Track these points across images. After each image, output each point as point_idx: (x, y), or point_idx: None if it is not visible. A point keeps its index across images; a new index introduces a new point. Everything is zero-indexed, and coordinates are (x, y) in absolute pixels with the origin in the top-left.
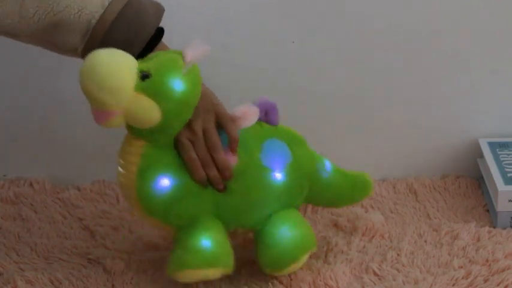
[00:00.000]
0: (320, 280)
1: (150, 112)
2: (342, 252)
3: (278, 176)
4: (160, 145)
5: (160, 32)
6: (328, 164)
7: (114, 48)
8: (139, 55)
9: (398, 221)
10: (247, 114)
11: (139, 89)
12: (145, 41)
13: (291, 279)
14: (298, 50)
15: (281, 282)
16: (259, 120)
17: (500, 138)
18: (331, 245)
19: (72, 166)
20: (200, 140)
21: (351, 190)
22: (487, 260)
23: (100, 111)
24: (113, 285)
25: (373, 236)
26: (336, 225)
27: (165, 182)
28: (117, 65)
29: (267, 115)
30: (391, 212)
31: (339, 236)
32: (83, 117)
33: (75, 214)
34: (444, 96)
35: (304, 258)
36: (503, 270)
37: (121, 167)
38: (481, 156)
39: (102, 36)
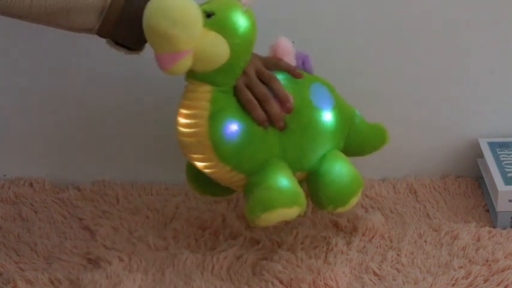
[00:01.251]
0: (320, 280)
1: (220, 47)
2: (342, 252)
3: (328, 115)
4: (225, 89)
5: None
6: (357, 111)
7: (132, 20)
8: None
9: (398, 221)
10: (285, 49)
11: (207, 25)
12: None
13: (291, 279)
14: (298, 49)
15: (281, 282)
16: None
17: (500, 138)
18: (331, 245)
19: (72, 166)
20: (255, 80)
21: (374, 137)
22: (487, 260)
23: (169, 54)
24: (113, 286)
25: (373, 236)
26: (336, 225)
27: (233, 127)
28: (188, 1)
29: (304, 64)
30: (391, 212)
31: (339, 236)
32: (83, 117)
33: (75, 214)
34: (444, 96)
35: (359, 193)
36: (503, 270)
37: (186, 118)
38: (481, 156)
39: (120, 10)
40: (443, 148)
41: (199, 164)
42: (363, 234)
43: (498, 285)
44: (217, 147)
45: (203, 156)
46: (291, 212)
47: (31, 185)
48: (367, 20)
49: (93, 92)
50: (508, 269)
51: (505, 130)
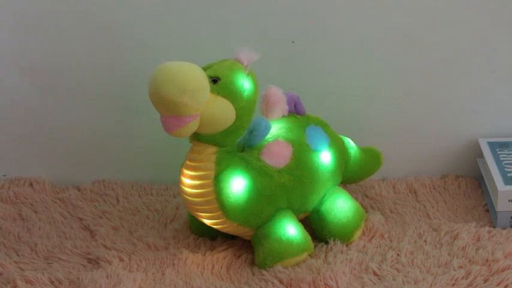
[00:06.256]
0: (320, 280)
1: (227, 112)
2: (342, 252)
3: (326, 157)
4: (229, 149)
5: None
6: (350, 141)
7: None
8: None
9: (398, 221)
10: (276, 98)
11: (213, 90)
12: None
13: (291, 279)
14: (298, 50)
15: (281, 282)
16: (290, 112)
17: (500, 138)
18: (331, 245)
19: (72, 166)
20: None
21: (370, 163)
22: (486, 260)
23: (176, 117)
24: (113, 285)
25: (373, 236)
26: None
27: (239, 184)
28: (195, 69)
29: (296, 107)
30: (391, 212)
31: None
32: (83, 117)
33: (75, 214)
34: (444, 96)
35: (363, 225)
36: (503, 270)
37: (192, 179)
38: (481, 156)
39: None
40: (443, 148)
41: (206, 221)
42: (363, 234)
43: (498, 285)
44: (224, 207)
45: (210, 214)
46: (300, 259)
47: (31, 185)
48: (368, 21)
49: (93, 92)
50: (508, 268)
51: (505, 130)
